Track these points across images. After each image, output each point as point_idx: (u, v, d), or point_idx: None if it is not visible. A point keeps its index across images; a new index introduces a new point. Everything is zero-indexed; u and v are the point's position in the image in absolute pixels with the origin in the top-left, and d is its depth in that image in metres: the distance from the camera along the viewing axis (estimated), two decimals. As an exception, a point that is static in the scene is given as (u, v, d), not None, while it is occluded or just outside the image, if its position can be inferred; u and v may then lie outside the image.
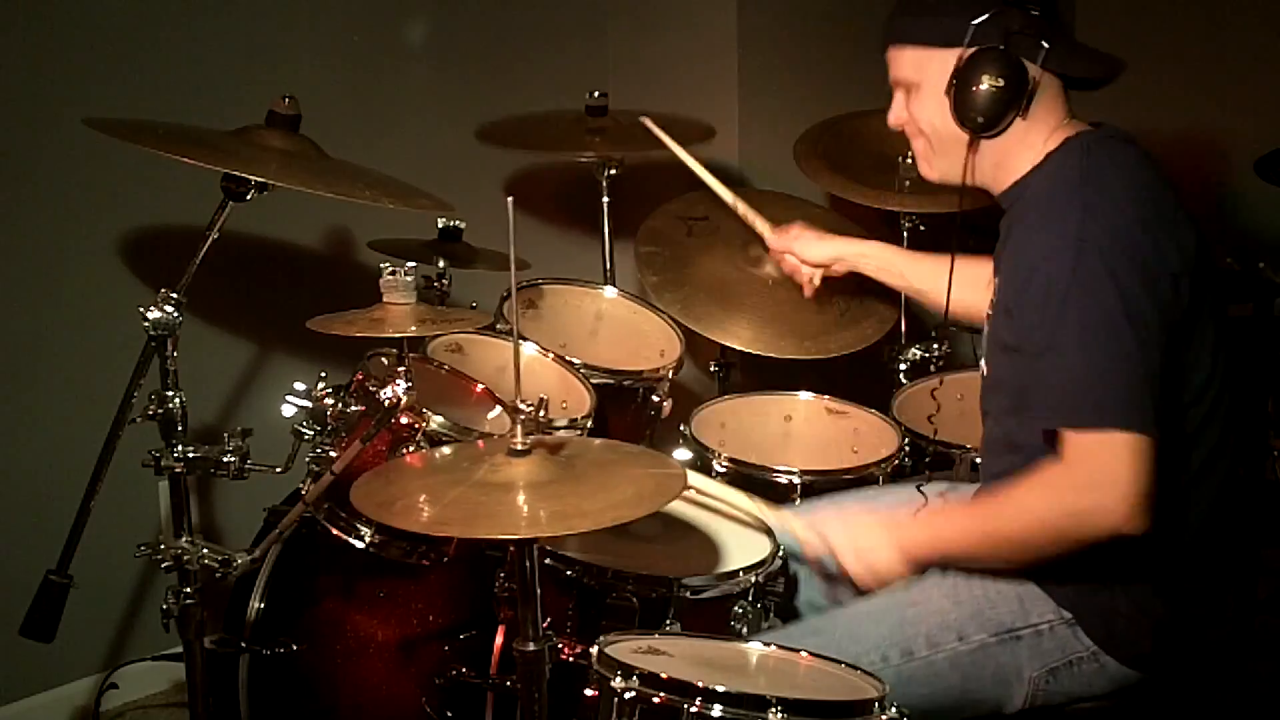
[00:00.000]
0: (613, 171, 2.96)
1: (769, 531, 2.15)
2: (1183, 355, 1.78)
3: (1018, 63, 1.83)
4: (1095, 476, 1.69)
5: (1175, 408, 1.77)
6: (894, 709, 1.59)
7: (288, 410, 1.99)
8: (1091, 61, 1.89)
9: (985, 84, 1.83)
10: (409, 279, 1.87)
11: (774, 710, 1.53)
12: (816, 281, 2.48)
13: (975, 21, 1.82)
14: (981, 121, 1.86)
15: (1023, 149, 1.88)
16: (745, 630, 1.98)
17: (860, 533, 1.92)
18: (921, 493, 2.08)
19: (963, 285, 2.20)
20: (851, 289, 2.65)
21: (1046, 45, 1.82)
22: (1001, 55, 1.82)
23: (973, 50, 1.83)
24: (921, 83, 1.91)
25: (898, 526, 1.91)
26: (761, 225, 2.52)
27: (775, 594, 2.07)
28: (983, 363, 2.00)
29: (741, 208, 2.55)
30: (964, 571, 1.93)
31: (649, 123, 2.59)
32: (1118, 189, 1.78)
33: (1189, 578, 1.87)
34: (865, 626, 1.91)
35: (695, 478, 2.11)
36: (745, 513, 2.14)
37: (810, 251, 2.44)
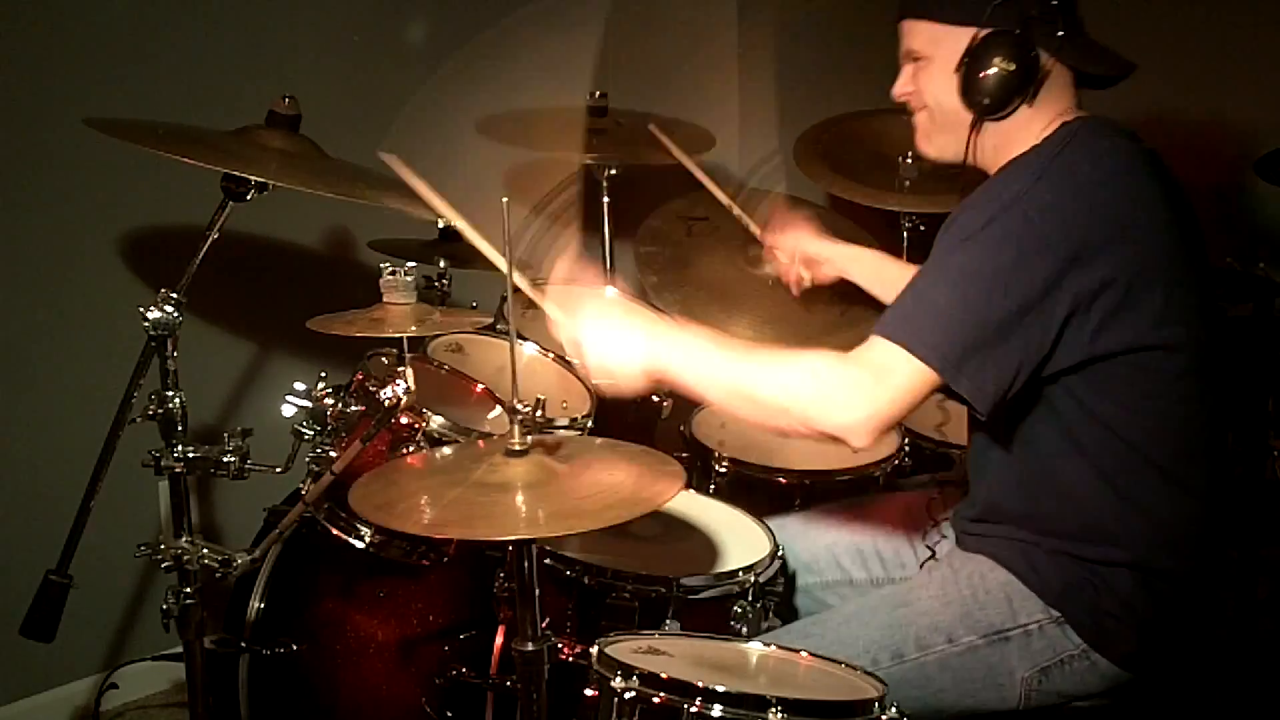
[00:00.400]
0: (613, 171, 2.96)
1: (768, 531, 2.15)
2: (1165, 350, 1.77)
3: (1031, 49, 1.82)
4: (865, 372, 1.71)
5: (1139, 392, 1.78)
6: (894, 709, 1.59)
7: (288, 410, 1.99)
8: (1104, 59, 1.89)
9: (996, 67, 1.82)
10: (409, 279, 1.87)
11: (774, 710, 1.53)
12: (806, 282, 2.47)
13: (994, 2, 1.81)
14: (987, 103, 1.85)
15: (1024, 134, 1.87)
16: (745, 630, 1.98)
17: (613, 338, 1.84)
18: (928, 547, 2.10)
19: None
20: (851, 289, 2.65)
21: (1062, 34, 1.81)
22: (1016, 39, 1.82)
23: (988, 31, 1.83)
24: (933, 58, 1.90)
25: (653, 344, 1.83)
26: (754, 226, 2.51)
27: (775, 594, 2.07)
28: None
29: (737, 211, 2.53)
30: (952, 571, 1.93)
31: (656, 130, 2.56)
32: (1080, 172, 1.77)
33: (1177, 577, 1.86)
34: (854, 630, 1.91)
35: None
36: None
37: (804, 244, 2.42)
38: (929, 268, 1.78)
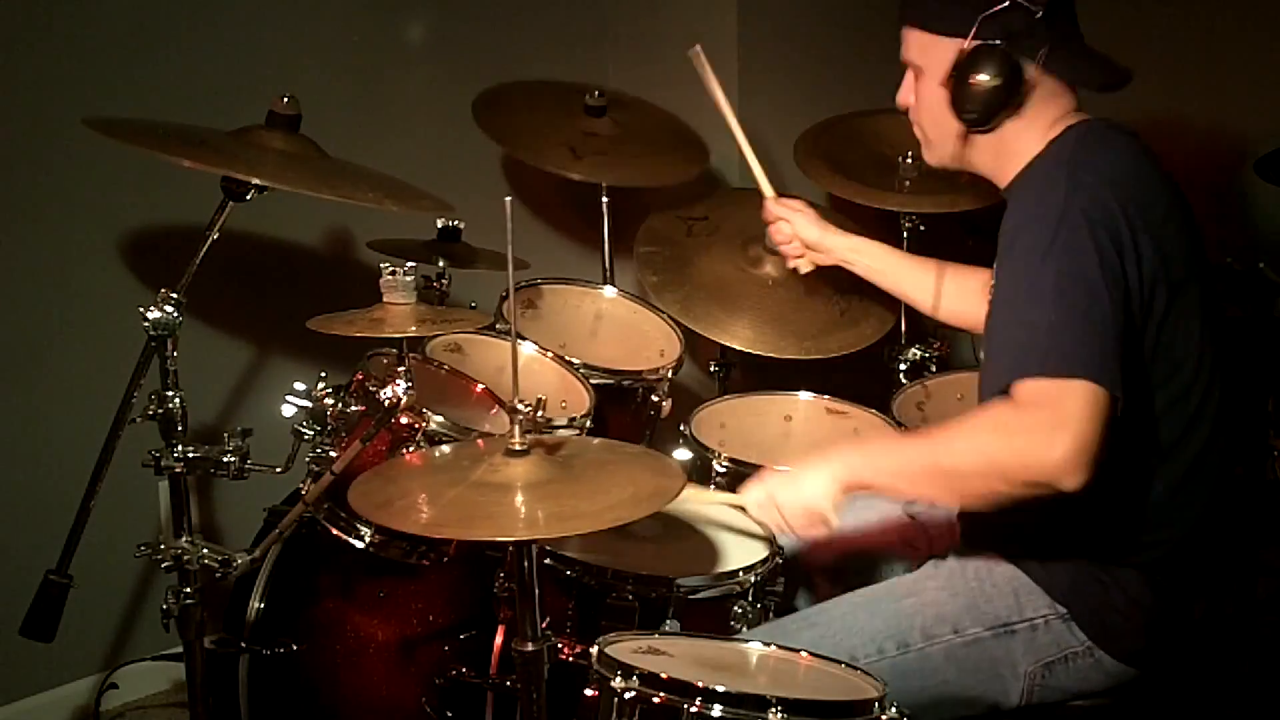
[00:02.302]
0: (609, 184, 2.95)
1: (768, 531, 2.15)
2: (1163, 348, 1.78)
3: (1015, 62, 1.82)
4: (1049, 419, 1.64)
5: (1143, 389, 1.77)
6: (894, 709, 1.59)
7: (288, 410, 1.99)
8: (1095, 68, 1.89)
9: (981, 80, 1.83)
10: (409, 279, 1.87)
11: (774, 710, 1.53)
12: (804, 268, 2.46)
13: (980, 16, 1.81)
14: (974, 116, 1.86)
15: (1023, 141, 1.88)
16: (745, 630, 1.98)
17: (803, 483, 1.86)
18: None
19: (955, 295, 2.21)
20: (851, 288, 2.65)
21: (1047, 48, 1.82)
22: (1000, 53, 1.82)
23: (975, 45, 1.83)
24: (925, 68, 1.91)
25: (836, 460, 1.84)
26: (767, 187, 2.48)
27: (775, 594, 2.07)
28: (981, 353, 1.99)
29: (756, 168, 2.48)
30: (959, 563, 1.94)
31: (700, 55, 2.44)
32: (1104, 169, 1.78)
33: (1183, 575, 1.87)
34: (860, 618, 1.92)
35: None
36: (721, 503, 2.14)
37: (803, 229, 2.41)
38: (1017, 296, 1.74)
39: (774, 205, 2.45)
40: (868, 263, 2.37)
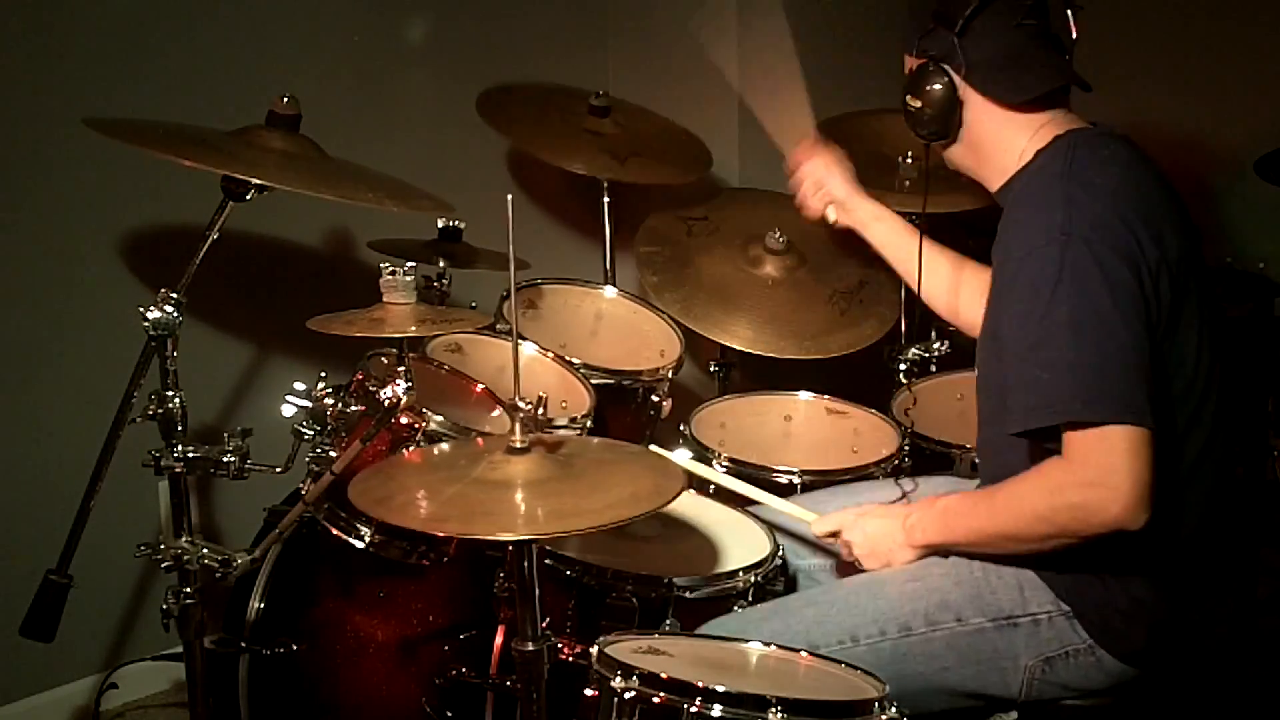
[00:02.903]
0: (612, 178, 2.95)
1: (768, 530, 2.15)
2: (1169, 352, 1.78)
3: (945, 79, 1.91)
4: (1096, 472, 1.69)
5: (1166, 401, 1.78)
6: (894, 709, 1.59)
7: (288, 410, 1.99)
8: (1023, 81, 1.90)
9: (919, 96, 1.94)
10: (409, 279, 1.87)
11: (774, 710, 1.53)
12: (812, 212, 2.42)
13: (917, 37, 1.93)
14: (920, 131, 1.97)
15: (999, 150, 1.93)
16: (747, 608, 1.98)
17: (875, 534, 1.98)
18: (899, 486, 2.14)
19: (971, 296, 2.21)
20: (851, 288, 2.65)
21: (964, 67, 1.89)
22: (929, 71, 1.92)
23: (919, 62, 1.94)
24: None
25: (910, 526, 1.95)
26: (810, 119, 2.47)
27: (775, 593, 2.07)
28: (976, 364, 2.01)
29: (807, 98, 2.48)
30: (965, 555, 1.94)
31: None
32: (1099, 183, 1.79)
33: (1186, 575, 1.87)
34: (863, 599, 1.92)
35: (715, 474, 2.20)
36: (768, 510, 2.17)
37: (835, 182, 2.39)
38: (1029, 334, 1.75)
39: (816, 145, 2.43)
40: (885, 235, 2.35)
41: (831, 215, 2.41)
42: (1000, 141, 1.93)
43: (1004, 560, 1.89)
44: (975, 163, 1.98)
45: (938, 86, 1.91)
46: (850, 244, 2.50)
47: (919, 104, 1.94)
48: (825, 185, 2.39)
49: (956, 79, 1.91)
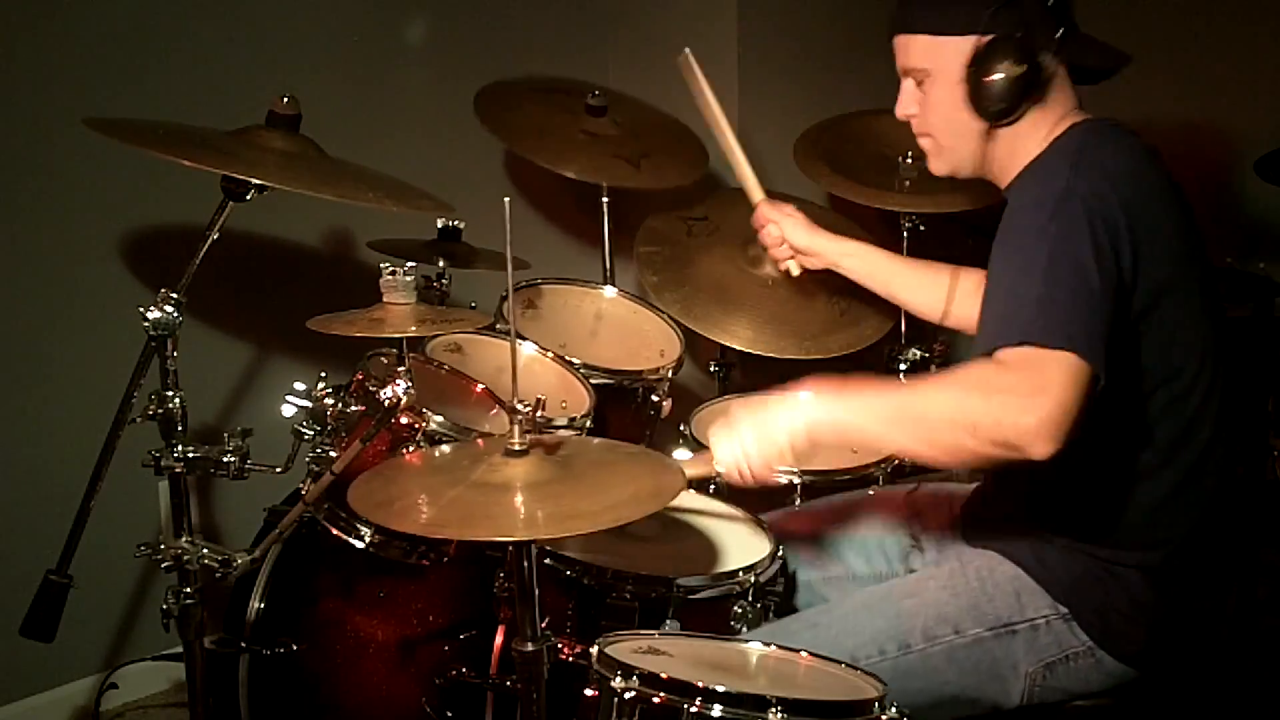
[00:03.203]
0: (609, 184, 2.95)
1: (768, 531, 2.15)
2: (1169, 352, 1.78)
3: (1034, 50, 1.82)
4: (1029, 382, 1.63)
5: (1140, 390, 1.77)
6: (894, 709, 1.59)
7: (288, 410, 1.99)
8: (1101, 53, 1.89)
9: (1003, 71, 1.81)
10: (409, 279, 1.87)
11: (774, 710, 1.53)
12: (794, 270, 2.44)
13: (992, 9, 1.81)
14: (997, 110, 1.84)
15: (1032, 139, 1.88)
16: (745, 630, 1.98)
17: (770, 417, 1.80)
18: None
19: (969, 301, 2.20)
20: (851, 288, 2.65)
21: (1061, 34, 1.81)
22: (1020, 42, 1.81)
23: (990, 37, 1.82)
24: (933, 70, 1.89)
25: (806, 406, 1.80)
26: (756, 191, 2.46)
27: (775, 594, 2.07)
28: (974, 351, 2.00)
29: (746, 170, 2.46)
30: (960, 563, 1.94)
31: (689, 60, 2.43)
32: (1108, 165, 1.78)
33: (1186, 575, 1.87)
34: (861, 619, 1.92)
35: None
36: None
37: (792, 234, 2.38)
38: (1007, 271, 1.74)
39: (764, 209, 2.43)
40: (858, 266, 2.35)
41: (795, 270, 2.42)
42: (1037, 128, 1.87)
43: (1001, 566, 1.89)
44: (1009, 150, 1.90)
45: (1022, 60, 1.81)
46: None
47: (1001, 80, 1.81)
48: (784, 239, 2.39)
49: (1044, 50, 1.82)
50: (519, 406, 1.57)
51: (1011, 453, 1.62)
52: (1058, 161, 1.81)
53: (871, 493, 2.33)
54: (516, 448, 1.58)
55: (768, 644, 1.80)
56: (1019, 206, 1.81)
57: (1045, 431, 1.60)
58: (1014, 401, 1.62)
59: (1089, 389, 1.63)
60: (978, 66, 1.83)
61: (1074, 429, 1.61)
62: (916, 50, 1.90)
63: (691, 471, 1.80)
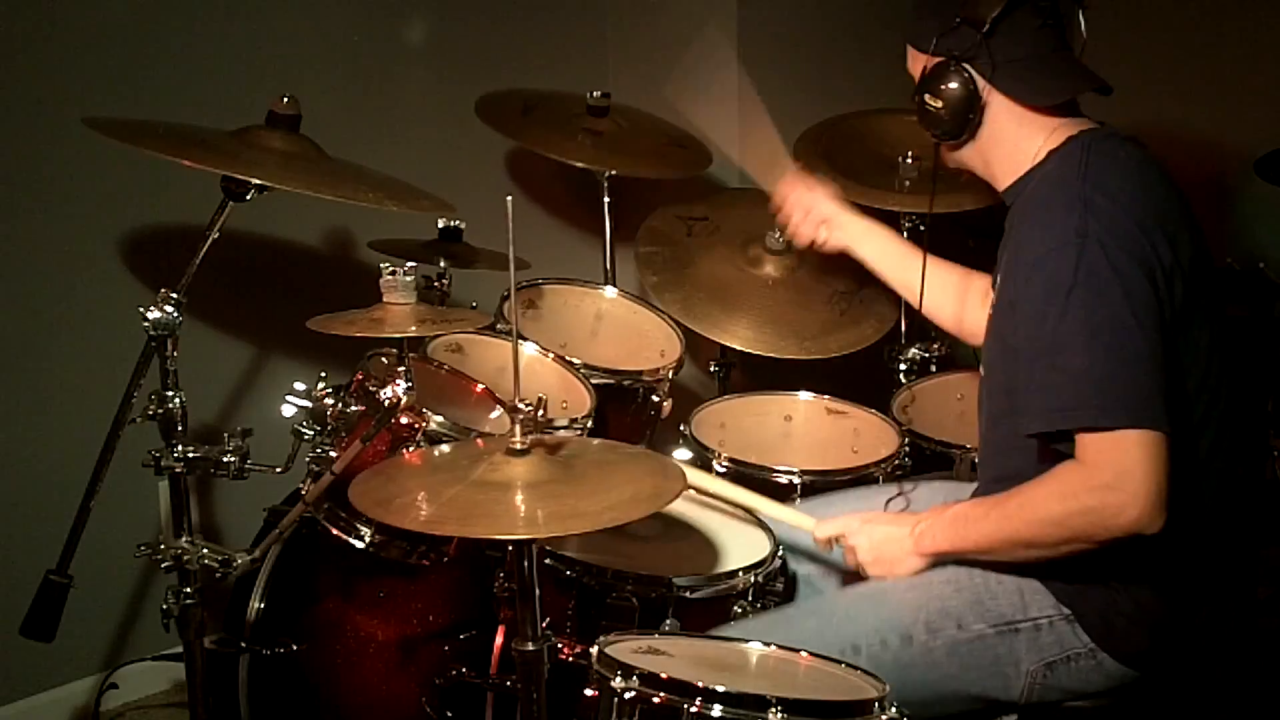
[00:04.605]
0: (613, 171, 2.95)
1: (768, 531, 2.15)
2: (1183, 353, 1.78)
3: (967, 79, 1.87)
4: (1111, 476, 1.69)
5: (1181, 403, 1.77)
6: (894, 709, 1.59)
7: (288, 410, 1.99)
8: (1050, 84, 1.89)
9: (937, 95, 1.89)
10: (409, 279, 1.87)
11: (774, 710, 1.53)
12: (802, 239, 2.42)
13: (936, 35, 1.88)
14: (935, 131, 1.93)
15: (1013, 150, 1.91)
16: (749, 619, 1.98)
17: (882, 541, 1.96)
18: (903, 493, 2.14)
19: (946, 290, 2.20)
20: (851, 288, 2.65)
21: (991, 66, 1.86)
22: (950, 71, 1.88)
23: (936, 61, 1.89)
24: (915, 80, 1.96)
25: (919, 534, 1.93)
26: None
27: (775, 593, 2.07)
28: (982, 366, 2.00)
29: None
30: (973, 562, 1.94)
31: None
32: (1116, 187, 1.79)
33: (1188, 577, 1.87)
34: (864, 609, 1.92)
35: (712, 482, 2.17)
36: (767, 516, 2.15)
37: (821, 201, 2.38)
38: (1043, 335, 1.75)
39: (797, 176, 2.43)
40: (875, 252, 2.34)
41: (822, 234, 2.40)
42: (1018, 141, 1.90)
43: (1004, 566, 1.89)
44: (984, 162, 1.96)
45: (957, 85, 1.87)
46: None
47: (938, 103, 1.89)
48: (813, 208, 2.39)
49: (979, 79, 1.87)
50: (520, 406, 1.57)
51: (1129, 537, 1.71)
52: (1063, 188, 1.81)
53: (871, 492, 2.32)
54: (517, 447, 1.58)
55: (768, 644, 1.80)
56: (1029, 239, 1.81)
57: (1149, 515, 1.68)
58: (1111, 500, 1.69)
59: (1168, 451, 1.69)
60: (922, 86, 1.92)
61: (1168, 490, 1.69)
62: (909, 57, 1.98)
63: (822, 534, 2.03)
